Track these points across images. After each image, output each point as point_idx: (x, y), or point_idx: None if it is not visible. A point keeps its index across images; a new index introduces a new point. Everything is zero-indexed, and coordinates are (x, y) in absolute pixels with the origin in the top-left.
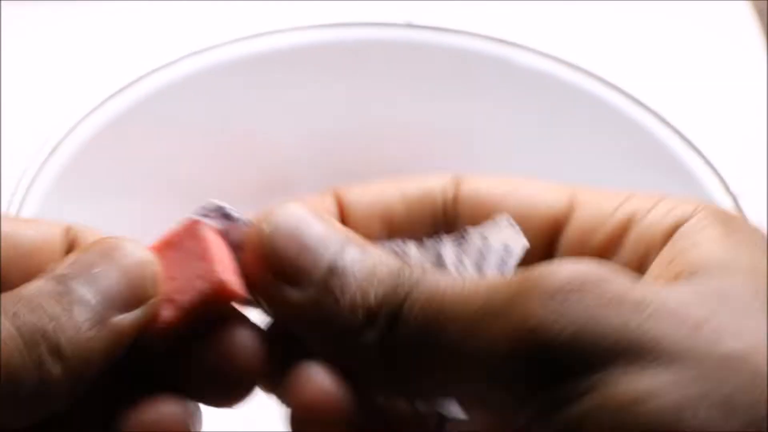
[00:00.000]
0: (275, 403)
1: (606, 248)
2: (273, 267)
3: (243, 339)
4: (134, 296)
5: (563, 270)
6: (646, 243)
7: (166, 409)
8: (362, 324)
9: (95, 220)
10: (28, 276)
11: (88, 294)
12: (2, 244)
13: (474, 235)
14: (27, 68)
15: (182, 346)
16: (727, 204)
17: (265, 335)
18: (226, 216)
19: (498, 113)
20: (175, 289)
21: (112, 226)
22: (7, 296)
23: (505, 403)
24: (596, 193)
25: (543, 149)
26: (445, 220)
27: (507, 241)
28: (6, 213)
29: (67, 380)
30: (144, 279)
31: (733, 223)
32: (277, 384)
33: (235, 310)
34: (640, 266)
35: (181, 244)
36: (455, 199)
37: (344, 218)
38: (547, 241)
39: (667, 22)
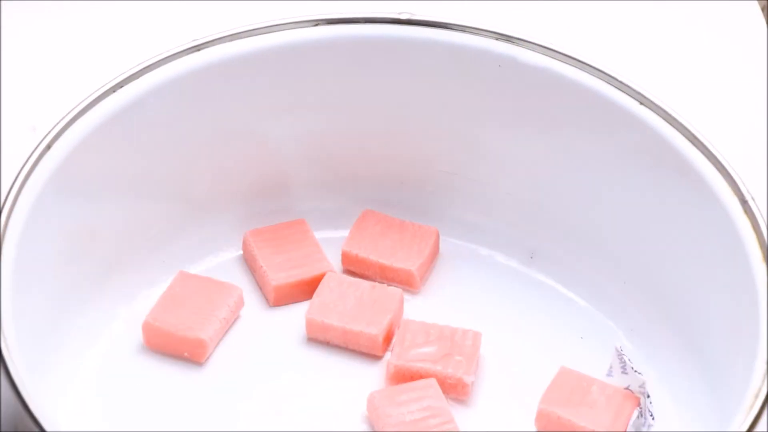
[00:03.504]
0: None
1: None
2: None
3: None
4: None
5: None
6: None
7: None
8: None
9: (89, 219)
10: None
11: None
12: None
13: None
14: (23, 66)
15: None
16: (734, 205)
17: None
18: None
19: (501, 112)
20: None
21: (106, 224)
22: None
23: None
24: None
25: (548, 149)
26: None
27: None
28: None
29: None
30: None
31: None
32: None
33: None
34: None
35: None
36: None
37: None
38: None
39: (676, 22)
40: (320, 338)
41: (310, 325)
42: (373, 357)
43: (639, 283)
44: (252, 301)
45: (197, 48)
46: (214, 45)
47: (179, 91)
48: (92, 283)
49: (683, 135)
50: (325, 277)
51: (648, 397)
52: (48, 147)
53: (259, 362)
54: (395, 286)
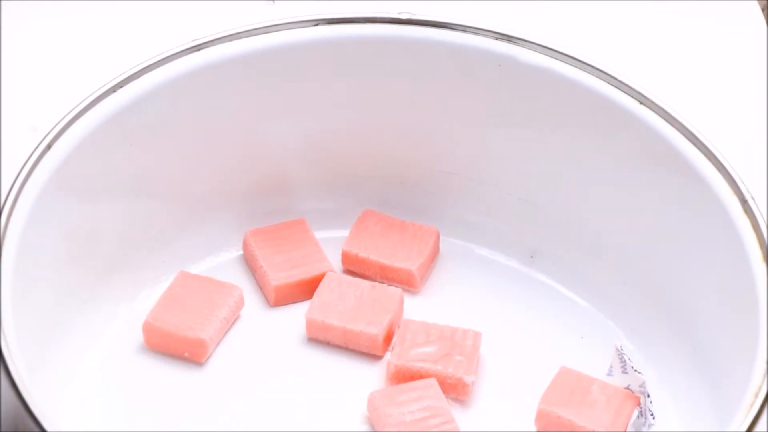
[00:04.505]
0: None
1: None
2: None
3: None
4: None
5: None
6: None
7: None
8: None
9: (89, 219)
10: None
11: None
12: None
13: None
14: (23, 66)
15: None
16: (734, 205)
17: None
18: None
19: (501, 112)
20: None
21: (107, 224)
22: None
23: None
24: None
25: (548, 149)
26: None
27: None
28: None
29: None
30: None
31: None
32: None
33: None
34: None
35: None
36: None
37: None
38: None
39: (676, 22)
40: (320, 338)
41: (310, 325)
42: (374, 357)
43: (639, 283)
44: (252, 301)
45: (197, 48)
46: (214, 45)
47: (179, 91)
48: (92, 283)
49: (683, 135)
50: (325, 277)
51: (648, 396)
52: (48, 147)
53: (259, 362)
54: (395, 286)
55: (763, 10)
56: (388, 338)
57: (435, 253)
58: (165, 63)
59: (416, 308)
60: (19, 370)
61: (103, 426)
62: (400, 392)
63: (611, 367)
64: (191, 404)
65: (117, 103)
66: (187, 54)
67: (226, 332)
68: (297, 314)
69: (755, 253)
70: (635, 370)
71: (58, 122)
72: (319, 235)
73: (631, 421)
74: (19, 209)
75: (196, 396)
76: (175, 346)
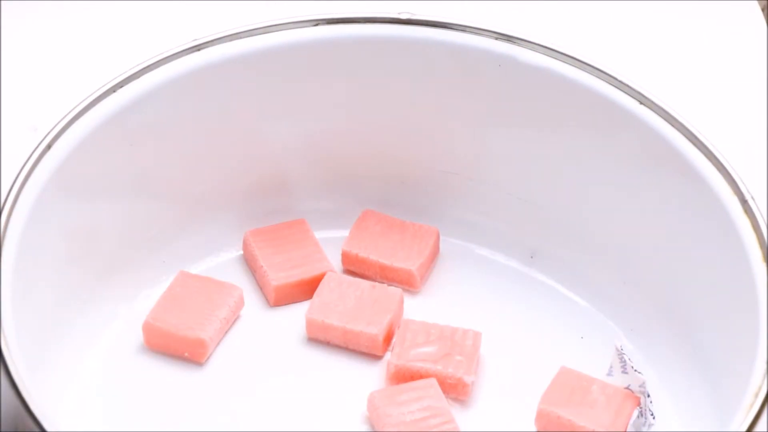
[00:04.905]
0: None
1: None
2: None
3: None
4: None
5: None
6: None
7: None
8: None
9: (89, 219)
10: None
11: None
12: None
13: None
14: (23, 66)
15: None
16: (734, 205)
17: None
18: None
19: (501, 112)
20: None
21: (107, 224)
22: None
23: None
24: None
25: (548, 149)
26: None
27: None
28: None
29: None
30: None
31: None
32: None
33: None
34: None
35: None
36: None
37: None
38: None
39: (676, 22)
40: (320, 338)
41: (310, 325)
42: (374, 357)
43: (639, 283)
44: (252, 301)
45: (197, 48)
46: (214, 45)
47: (179, 91)
48: (92, 283)
49: (683, 135)
50: (325, 277)
51: (648, 396)
52: (48, 147)
53: (259, 362)
54: (395, 286)
55: (763, 10)
56: (388, 338)
57: (435, 253)
58: (165, 63)
59: (416, 308)
60: (19, 370)
61: (103, 426)
62: (400, 392)
63: (611, 367)
64: (191, 404)
65: (117, 103)
66: (187, 54)
67: (226, 332)
68: (297, 314)
69: (755, 253)
70: (635, 370)
71: (58, 122)
72: (319, 235)
73: (631, 421)
74: (19, 209)
75: (196, 396)
76: (175, 346)
